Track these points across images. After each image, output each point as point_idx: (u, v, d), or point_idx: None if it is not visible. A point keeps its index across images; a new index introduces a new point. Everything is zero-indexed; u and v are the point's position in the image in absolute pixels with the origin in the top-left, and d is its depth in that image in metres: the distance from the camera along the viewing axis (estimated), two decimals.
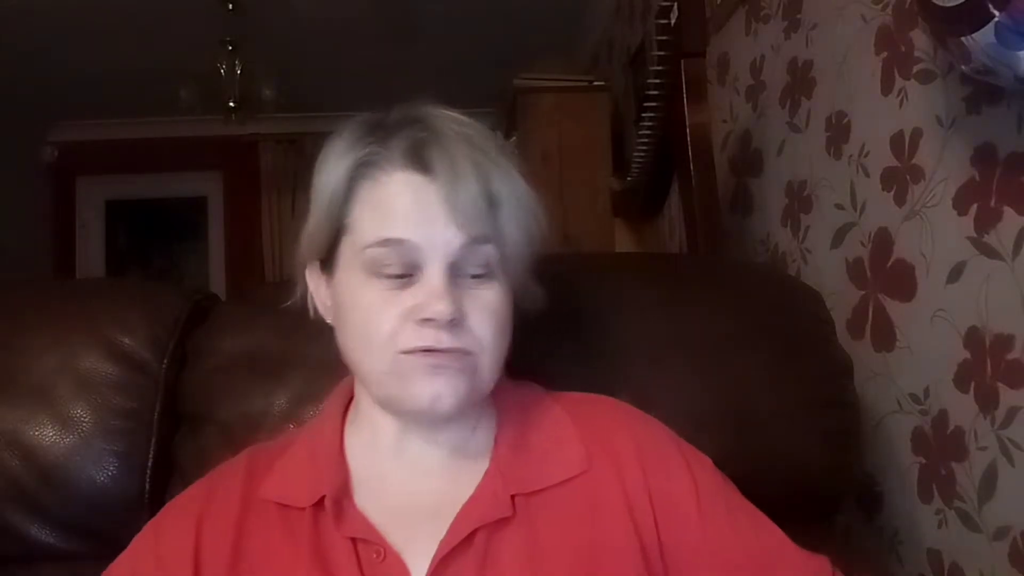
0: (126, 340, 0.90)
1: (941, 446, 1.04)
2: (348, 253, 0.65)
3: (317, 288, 0.70)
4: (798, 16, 1.45)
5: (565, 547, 0.62)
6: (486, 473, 0.66)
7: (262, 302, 0.99)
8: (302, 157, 4.59)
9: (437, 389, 0.61)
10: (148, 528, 0.68)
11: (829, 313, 1.00)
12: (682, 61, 1.34)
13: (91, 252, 4.73)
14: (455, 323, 0.61)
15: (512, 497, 0.64)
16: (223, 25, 3.20)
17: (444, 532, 0.62)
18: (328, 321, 0.70)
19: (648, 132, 1.57)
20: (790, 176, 1.49)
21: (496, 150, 0.65)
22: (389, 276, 0.62)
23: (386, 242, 0.62)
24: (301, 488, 0.66)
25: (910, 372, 1.11)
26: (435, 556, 0.61)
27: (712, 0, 1.79)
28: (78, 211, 4.73)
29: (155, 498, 0.87)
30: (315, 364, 0.87)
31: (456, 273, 0.63)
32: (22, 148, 4.37)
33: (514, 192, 0.63)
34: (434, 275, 0.61)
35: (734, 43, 1.77)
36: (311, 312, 0.72)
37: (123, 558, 0.67)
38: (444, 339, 0.61)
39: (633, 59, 2.67)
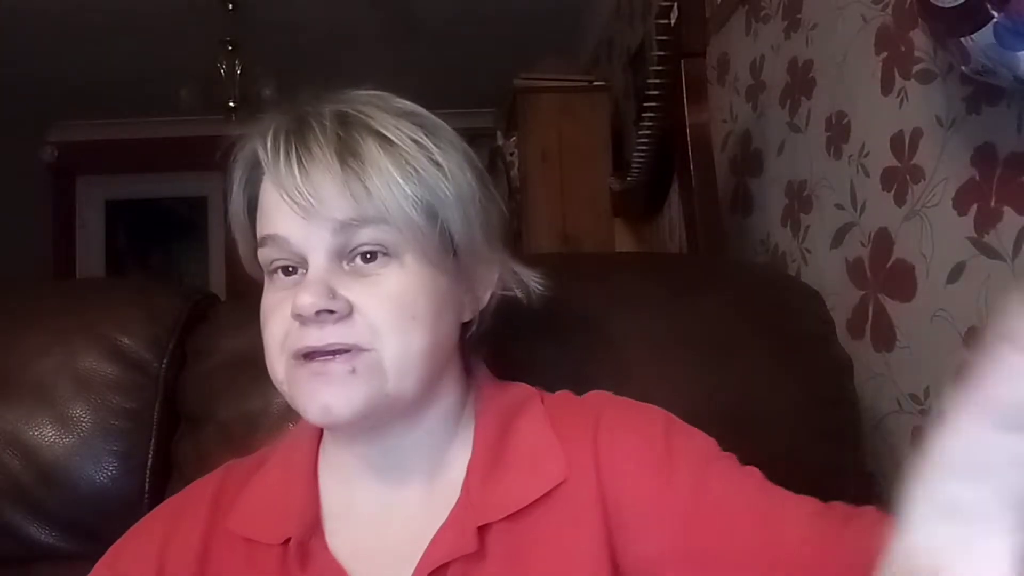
0: (126, 340, 0.90)
1: None
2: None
3: None
4: (798, 16, 1.45)
5: (546, 570, 0.57)
6: (456, 503, 0.59)
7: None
8: None
9: (324, 400, 0.55)
10: (108, 556, 0.64)
11: (829, 313, 1.00)
12: (682, 61, 1.34)
13: (91, 251, 4.73)
14: (338, 317, 0.55)
15: (483, 528, 0.57)
16: (223, 25, 3.20)
17: (412, 569, 0.57)
18: None
19: (648, 132, 1.57)
20: (790, 176, 1.49)
21: (391, 123, 0.58)
22: (285, 275, 0.58)
23: (263, 240, 0.59)
24: (269, 522, 0.61)
25: (910, 372, 1.11)
26: None
27: (712, 0, 1.79)
28: (78, 211, 4.73)
29: (154, 498, 0.87)
30: None
31: (343, 259, 0.57)
32: (22, 148, 4.37)
33: (396, 166, 0.56)
34: (311, 267, 0.56)
35: (734, 43, 1.77)
36: None
37: None
38: (327, 334, 0.55)
39: (633, 59, 2.68)
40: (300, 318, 0.55)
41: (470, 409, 0.65)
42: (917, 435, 1.09)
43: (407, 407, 0.59)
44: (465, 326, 0.65)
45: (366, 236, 0.56)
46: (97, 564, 0.63)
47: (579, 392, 0.69)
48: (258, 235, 0.60)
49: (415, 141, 0.58)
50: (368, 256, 0.57)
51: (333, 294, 0.55)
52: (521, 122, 2.46)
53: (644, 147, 1.63)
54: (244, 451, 0.84)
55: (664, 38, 1.37)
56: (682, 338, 0.89)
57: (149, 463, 0.88)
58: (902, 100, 1.12)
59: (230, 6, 3.15)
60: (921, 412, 1.08)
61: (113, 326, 0.91)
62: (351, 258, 0.57)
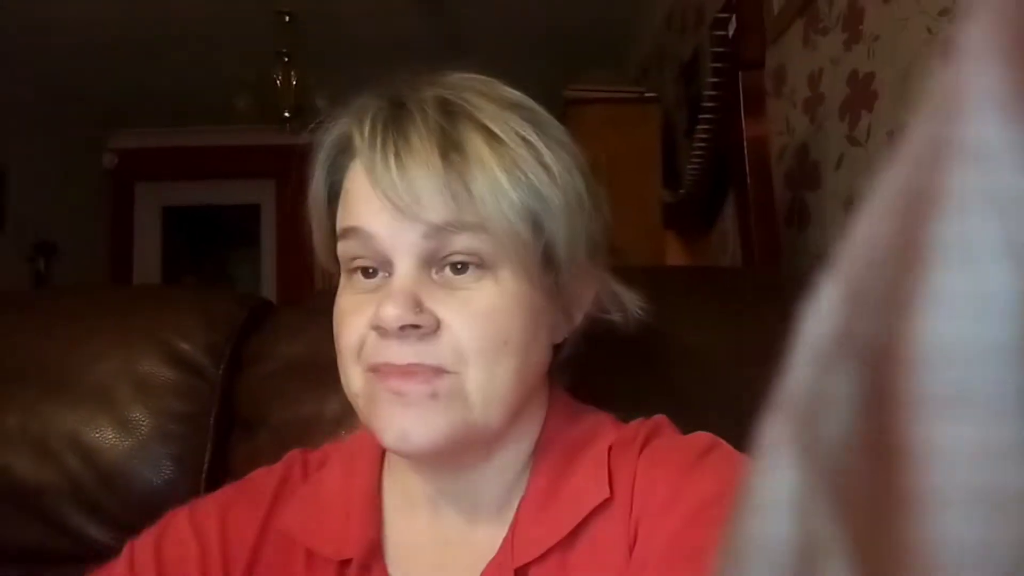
0: (184, 345, 0.92)
1: None
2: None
3: None
4: (860, 28, 1.42)
5: None
6: (503, 542, 0.55)
7: (316, 309, 1.00)
8: None
9: (403, 425, 0.50)
10: (160, 526, 0.61)
11: None
12: (740, 73, 1.32)
13: (148, 256, 4.85)
14: (422, 333, 0.49)
15: (525, 567, 0.53)
16: (279, 36, 3.27)
17: None
18: None
19: (703, 144, 1.55)
20: (849, 191, 1.45)
21: (501, 116, 0.52)
22: (364, 275, 0.53)
23: (346, 232, 0.53)
24: (328, 533, 0.57)
25: None
26: None
27: (769, 11, 1.76)
28: (136, 216, 4.86)
29: None
30: None
31: (432, 267, 0.51)
32: (84, 154, 4.51)
33: (505, 166, 0.50)
34: (397, 272, 0.51)
35: (791, 55, 1.74)
36: None
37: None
38: (407, 352, 0.49)
39: (685, 70, 2.65)
40: (381, 330, 0.50)
41: (532, 434, 0.59)
42: None
43: (490, 439, 0.54)
44: (554, 349, 0.59)
45: (461, 244, 0.50)
46: (146, 532, 0.61)
47: (630, 412, 0.63)
48: (339, 226, 0.54)
49: (524, 139, 0.52)
50: (460, 266, 0.51)
51: (420, 307, 0.49)
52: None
53: (698, 159, 1.60)
54: None
55: (721, 49, 1.36)
56: (739, 356, 0.87)
57: (205, 467, 0.89)
58: None
59: (287, 18, 3.21)
60: None
61: (172, 332, 0.92)
62: (441, 267, 0.51)
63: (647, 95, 2.53)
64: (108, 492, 0.87)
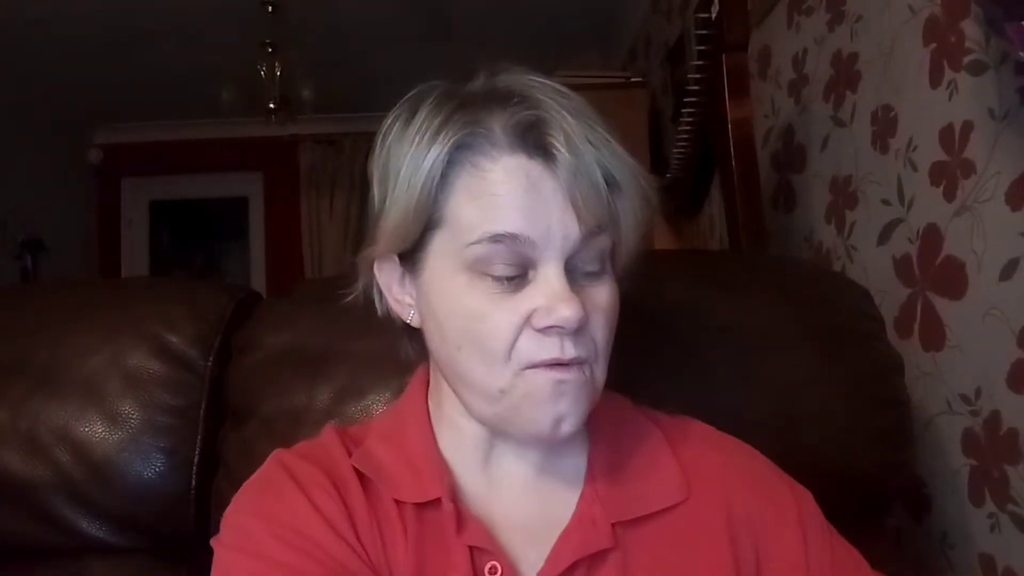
0: (172, 338, 0.92)
1: (994, 448, 1.01)
2: (442, 249, 0.56)
3: (389, 285, 0.62)
4: (842, 8, 1.42)
5: (680, 572, 0.58)
6: (581, 497, 0.61)
7: (304, 299, 1.00)
8: (341, 157, 4.64)
9: (560, 410, 0.54)
10: (259, 513, 0.58)
11: (878, 310, 0.98)
12: (723, 55, 1.32)
13: (136, 251, 4.83)
14: (579, 329, 0.54)
15: (612, 526, 0.59)
16: (263, 27, 3.24)
17: (542, 556, 0.57)
18: (406, 321, 0.62)
19: (688, 128, 1.56)
20: (834, 171, 1.46)
21: (604, 125, 0.56)
22: (496, 277, 0.54)
23: (496, 238, 0.53)
24: (403, 482, 0.60)
25: (961, 372, 1.08)
26: None
27: None
28: (123, 211, 4.83)
29: (201, 493, 0.89)
30: (357, 360, 0.88)
31: (571, 270, 0.55)
32: (70, 150, 4.48)
33: (631, 172, 0.56)
34: (552, 274, 0.54)
35: (776, 36, 1.74)
36: (379, 311, 0.65)
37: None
38: (569, 348, 0.54)
39: (671, 54, 2.65)
40: (554, 329, 0.53)
41: None
42: (968, 436, 1.06)
43: None
44: None
45: (598, 245, 0.56)
46: (245, 517, 0.59)
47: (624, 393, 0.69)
48: (482, 232, 0.54)
49: (624, 151, 0.57)
50: (592, 271, 0.56)
51: (582, 307, 0.54)
52: None
53: (684, 143, 1.61)
54: (287, 445, 0.85)
55: (705, 32, 1.35)
56: (727, 337, 0.88)
57: (196, 458, 0.89)
58: (951, 92, 1.09)
59: (270, 8, 3.19)
60: (972, 413, 1.05)
61: (160, 324, 0.92)
62: (578, 268, 0.56)
63: (633, 80, 2.52)
64: (99, 485, 0.87)
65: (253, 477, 0.62)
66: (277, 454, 0.63)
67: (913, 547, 1.15)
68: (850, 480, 0.87)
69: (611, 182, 0.55)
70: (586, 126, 0.55)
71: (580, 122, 0.54)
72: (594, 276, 0.56)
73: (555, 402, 0.54)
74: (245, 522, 0.58)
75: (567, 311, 0.52)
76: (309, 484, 0.59)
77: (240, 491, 0.61)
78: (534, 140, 0.54)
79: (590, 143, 0.54)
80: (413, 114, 0.58)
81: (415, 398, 0.66)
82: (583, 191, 0.53)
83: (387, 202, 0.58)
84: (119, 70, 3.77)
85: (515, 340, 0.54)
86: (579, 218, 0.53)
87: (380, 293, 0.64)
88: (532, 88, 0.56)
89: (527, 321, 0.54)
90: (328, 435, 0.65)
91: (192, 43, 3.50)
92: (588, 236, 0.54)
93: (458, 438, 0.63)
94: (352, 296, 0.66)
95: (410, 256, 0.59)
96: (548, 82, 0.57)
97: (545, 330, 0.54)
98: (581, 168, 0.53)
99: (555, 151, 0.53)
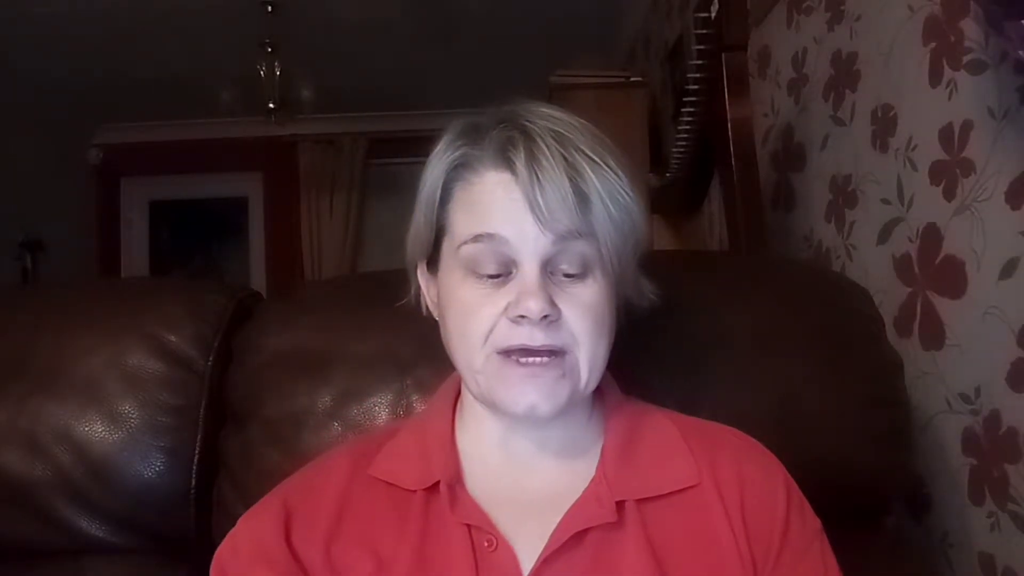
0: (172, 338, 0.92)
1: (993, 447, 1.01)
2: (447, 252, 0.66)
3: (427, 287, 0.72)
4: (842, 8, 1.42)
5: (686, 556, 0.62)
6: (593, 478, 0.66)
7: (304, 301, 1.00)
8: (340, 157, 4.63)
9: (532, 399, 0.62)
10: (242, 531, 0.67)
11: (878, 310, 0.98)
12: (723, 55, 1.32)
13: (135, 251, 4.82)
14: (549, 320, 0.61)
15: (619, 504, 0.64)
16: (262, 27, 3.24)
17: (550, 530, 0.63)
18: (436, 317, 0.72)
19: (688, 127, 1.56)
20: (834, 171, 1.46)
21: (591, 145, 0.64)
22: (486, 276, 0.63)
23: (478, 238, 0.63)
24: (411, 471, 0.67)
25: (960, 371, 1.08)
26: (543, 552, 0.62)
27: None
28: (123, 211, 4.82)
29: (201, 493, 0.89)
30: (358, 361, 0.88)
31: (550, 271, 0.63)
32: (69, 150, 4.48)
33: (606, 187, 0.63)
34: (526, 272, 0.62)
35: (775, 36, 1.75)
36: (423, 310, 0.74)
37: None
38: (538, 336, 0.61)
39: (671, 54, 2.65)
40: (522, 319, 0.61)
41: (599, 403, 0.72)
42: (968, 436, 1.06)
43: (585, 398, 0.68)
44: None
45: (576, 249, 0.63)
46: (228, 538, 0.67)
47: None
48: (467, 232, 0.64)
49: (612, 165, 0.64)
50: (572, 274, 0.63)
51: (552, 301, 0.62)
52: None
53: (683, 142, 1.61)
54: (289, 448, 0.85)
55: (704, 31, 1.36)
56: (726, 336, 0.88)
57: (196, 459, 0.89)
58: (951, 91, 1.09)
59: (269, 8, 3.19)
60: (971, 412, 1.05)
61: (160, 324, 0.92)
62: (555, 268, 0.63)
63: (633, 80, 2.52)
64: (99, 485, 0.87)
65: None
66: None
67: (913, 547, 1.15)
68: (850, 479, 0.87)
69: (584, 197, 0.62)
70: (565, 145, 0.62)
71: (558, 142, 0.62)
72: (576, 278, 0.64)
73: (524, 389, 0.62)
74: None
75: (531, 303, 0.60)
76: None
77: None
78: (510, 158, 0.63)
79: (565, 160, 0.61)
80: (440, 140, 0.68)
81: (444, 395, 0.75)
82: (548, 203, 0.61)
83: (414, 216, 0.70)
84: (119, 70, 3.77)
85: (492, 327, 0.63)
86: (544, 226, 0.61)
87: (419, 295, 0.74)
88: (522, 114, 0.65)
89: (504, 312, 0.62)
90: (340, 450, 0.73)
91: (192, 43, 3.50)
92: (560, 241, 0.62)
93: (479, 428, 0.70)
94: (404, 299, 0.76)
95: (432, 261, 0.70)
96: (545, 109, 0.66)
97: (516, 319, 0.61)
98: (547, 183, 0.61)
99: (523, 168, 0.61)
